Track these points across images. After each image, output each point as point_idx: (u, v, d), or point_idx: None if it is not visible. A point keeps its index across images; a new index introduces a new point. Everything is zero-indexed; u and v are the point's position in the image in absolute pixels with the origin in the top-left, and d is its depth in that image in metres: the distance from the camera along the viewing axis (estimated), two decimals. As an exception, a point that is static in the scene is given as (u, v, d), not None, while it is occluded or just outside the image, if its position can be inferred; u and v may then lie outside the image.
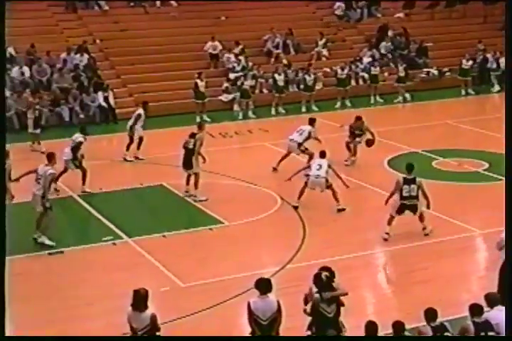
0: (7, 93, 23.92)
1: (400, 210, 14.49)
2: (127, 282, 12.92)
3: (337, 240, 14.68)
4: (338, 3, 31.82)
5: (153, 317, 9.24)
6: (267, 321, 9.34)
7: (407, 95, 27.18)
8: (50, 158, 14.73)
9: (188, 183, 16.99)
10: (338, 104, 26.49)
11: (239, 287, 12.17)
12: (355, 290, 12.50)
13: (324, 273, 9.64)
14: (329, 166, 16.17)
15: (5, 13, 8.57)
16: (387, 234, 14.56)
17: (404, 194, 14.30)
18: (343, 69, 26.97)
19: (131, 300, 9.28)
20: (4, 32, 8.58)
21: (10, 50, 25.59)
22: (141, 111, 20.10)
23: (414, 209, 14.47)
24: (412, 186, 14.24)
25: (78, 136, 17.60)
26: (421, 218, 14.61)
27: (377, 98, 27.16)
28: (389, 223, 14.58)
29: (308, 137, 18.60)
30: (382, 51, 29.50)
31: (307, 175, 16.17)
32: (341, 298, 9.72)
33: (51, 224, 14.38)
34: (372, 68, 27.77)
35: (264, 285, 9.46)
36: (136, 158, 19.90)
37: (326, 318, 9.54)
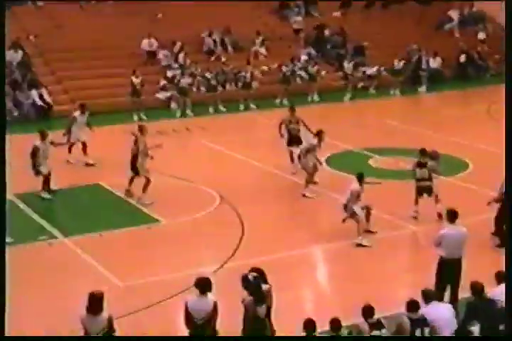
0: None
1: (418, 192, 15.38)
2: (64, 282, 12.79)
3: (275, 238, 14.71)
4: (296, 18, 31.59)
5: (111, 319, 9.06)
6: (201, 320, 9.26)
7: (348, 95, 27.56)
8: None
9: (130, 184, 16.77)
10: (278, 101, 26.57)
11: (177, 286, 12.09)
12: (293, 289, 12.60)
13: (252, 274, 9.56)
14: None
15: (5, 14, 8.40)
16: (415, 212, 15.40)
17: (418, 177, 15.23)
18: (287, 66, 27.18)
19: (85, 302, 9.03)
20: (4, 32, 8.42)
21: None
22: (76, 113, 19.70)
23: (429, 191, 15.24)
24: (423, 170, 15.20)
25: None
26: (436, 200, 15.23)
27: (315, 97, 27.35)
28: (415, 202, 15.38)
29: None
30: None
31: None
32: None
33: None
34: (310, 67, 27.99)
35: (203, 285, 9.37)
36: (87, 164, 19.29)
37: (261, 320, 9.47)
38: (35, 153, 16.69)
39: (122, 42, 28.24)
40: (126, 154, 18.46)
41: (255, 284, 9.44)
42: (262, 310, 9.40)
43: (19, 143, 18.37)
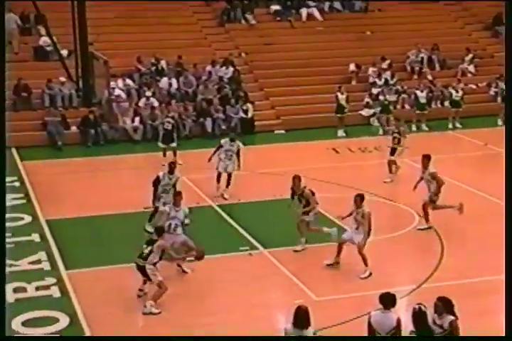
0: (156, 103, 24.83)
1: None
2: (261, 292, 13.12)
3: (475, 261, 14.24)
4: None
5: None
6: (385, 336, 9.20)
7: None
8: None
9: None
10: (500, 121, 25.51)
11: (372, 304, 11.98)
12: (490, 315, 12.13)
13: (420, 306, 9.18)
14: None
15: (5, 13, 8.97)
16: None
17: None
18: (497, 84, 26.36)
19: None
20: (4, 32, 8.97)
21: (162, 63, 26.56)
22: (222, 140, 18.70)
23: None
24: None
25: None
26: None
27: None
28: None
29: None
30: None
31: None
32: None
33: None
34: None
35: (387, 300, 9.37)
36: (222, 196, 18.19)
37: None
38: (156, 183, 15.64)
39: (330, 59, 28.61)
40: (328, 170, 18.70)
41: (421, 318, 9.13)
42: None
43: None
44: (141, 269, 12.52)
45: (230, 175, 18.25)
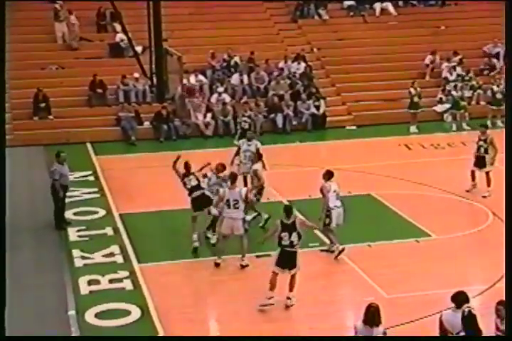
0: (227, 99, 25.03)
1: None
2: (331, 289, 13.12)
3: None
4: None
5: (385, 335, 9.09)
6: (456, 335, 9.04)
7: None
8: (234, 179, 14.13)
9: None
10: None
11: (443, 303, 11.84)
12: None
13: (469, 309, 8.99)
14: None
15: (5, 13, 8.99)
16: None
17: None
18: None
19: (362, 314, 9.08)
20: (4, 32, 9.00)
21: (236, 58, 26.72)
22: (240, 141, 17.74)
23: None
24: None
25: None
26: None
27: None
28: None
29: None
30: None
31: None
32: None
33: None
34: None
35: (458, 299, 9.21)
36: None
37: None
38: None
39: (403, 54, 28.29)
40: (400, 166, 18.48)
41: (471, 321, 8.92)
42: None
43: (289, 150, 19.14)
44: (292, 257, 12.27)
45: (246, 177, 17.10)
